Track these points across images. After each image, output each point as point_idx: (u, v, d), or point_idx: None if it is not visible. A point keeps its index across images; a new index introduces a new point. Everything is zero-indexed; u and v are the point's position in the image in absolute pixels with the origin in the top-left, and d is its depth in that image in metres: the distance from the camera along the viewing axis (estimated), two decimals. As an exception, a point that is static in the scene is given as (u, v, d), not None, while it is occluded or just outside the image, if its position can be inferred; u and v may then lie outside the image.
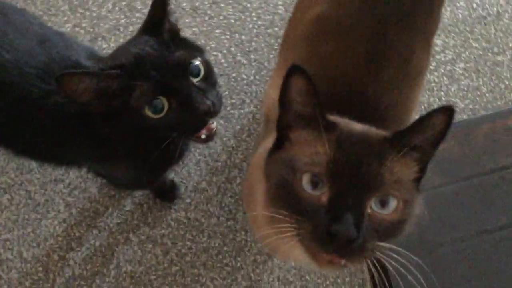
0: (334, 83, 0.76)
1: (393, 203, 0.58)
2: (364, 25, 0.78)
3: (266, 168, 0.64)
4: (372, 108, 0.75)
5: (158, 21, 0.73)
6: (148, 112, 0.70)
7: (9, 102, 0.79)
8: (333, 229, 0.54)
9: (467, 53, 1.44)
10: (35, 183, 1.22)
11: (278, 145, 0.64)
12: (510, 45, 1.45)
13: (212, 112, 0.73)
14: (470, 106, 1.41)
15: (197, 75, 0.73)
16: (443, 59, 1.42)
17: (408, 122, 0.78)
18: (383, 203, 0.58)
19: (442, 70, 1.42)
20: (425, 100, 1.39)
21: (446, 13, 1.45)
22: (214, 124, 0.80)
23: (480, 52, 1.44)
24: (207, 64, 0.75)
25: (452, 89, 1.41)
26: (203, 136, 0.80)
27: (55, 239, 1.19)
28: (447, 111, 0.58)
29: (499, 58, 1.44)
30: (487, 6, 1.47)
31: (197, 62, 0.73)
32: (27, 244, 1.19)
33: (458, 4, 1.46)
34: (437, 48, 1.43)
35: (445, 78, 1.41)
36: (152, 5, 0.73)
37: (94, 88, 0.68)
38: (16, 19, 0.84)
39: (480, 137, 1.32)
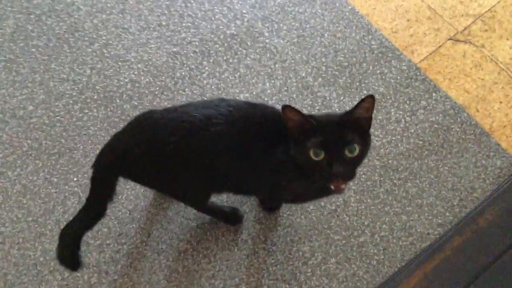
0: None
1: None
2: None
3: None
4: None
5: (350, 112, 1.08)
6: (311, 153, 1.07)
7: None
8: None
9: (333, 247, 1.61)
10: None
11: None
12: (366, 223, 1.64)
13: (339, 177, 1.08)
14: (355, 293, 1.54)
15: (351, 152, 1.07)
16: (315, 262, 1.59)
17: None
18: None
19: (319, 272, 1.58)
20: (314, 306, 1.52)
21: (303, 220, 1.65)
22: (343, 185, 1.14)
23: (344, 241, 1.62)
24: (362, 153, 1.09)
25: (334, 285, 1.56)
26: (332, 187, 1.14)
27: None
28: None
29: (361, 239, 1.62)
30: (333, 200, 1.68)
31: (356, 147, 1.07)
32: None
33: (309, 209, 1.68)
34: (307, 255, 1.60)
35: (324, 279, 1.57)
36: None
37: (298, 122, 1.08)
38: None
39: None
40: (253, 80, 1.86)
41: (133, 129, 1.23)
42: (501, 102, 1.80)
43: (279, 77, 1.86)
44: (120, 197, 1.65)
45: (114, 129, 1.74)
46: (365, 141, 1.11)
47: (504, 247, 1.54)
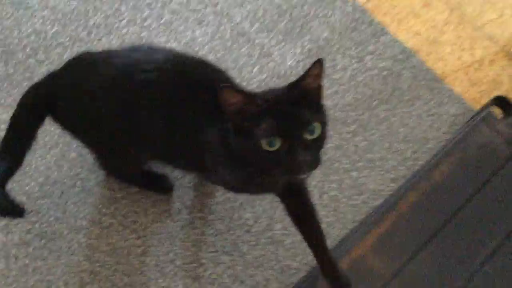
0: None
1: None
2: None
3: None
4: None
5: (297, 83, 0.89)
6: (264, 143, 0.85)
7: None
8: None
9: (278, 212, 1.45)
10: None
11: None
12: (313, 183, 1.48)
13: (305, 167, 0.87)
14: (304, 261, 1.39)
15: (311, 134, 0.87)
16: (259, 229, 1.43)
17: None
18: None
19: (263, 240, 1.42)
20: (259, 273, 1.36)
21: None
22: None
23: (290, 204, 1.45)
24: (324, 132, 0.90)
25: (280, 253, 1.40)
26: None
27: None
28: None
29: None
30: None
31: (316, 126, 0.87)
32: None
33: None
34: (249, 222, 1.43)
35: (269, 247, 1.41)
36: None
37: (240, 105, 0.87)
38: None
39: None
40: (181, 28, 1.63)
41: (66, 69, 1.10)
42: (453, 44, 1.66)
43: (210, 23, 1.64)
44: (27, 168, 1.40)
45: (17, 89, 1.48)
46: (322, 117, 0.92)
47: (462, 201, 1.46)
